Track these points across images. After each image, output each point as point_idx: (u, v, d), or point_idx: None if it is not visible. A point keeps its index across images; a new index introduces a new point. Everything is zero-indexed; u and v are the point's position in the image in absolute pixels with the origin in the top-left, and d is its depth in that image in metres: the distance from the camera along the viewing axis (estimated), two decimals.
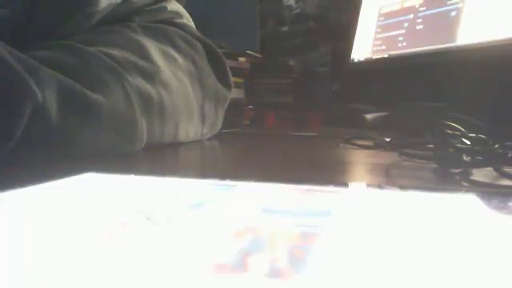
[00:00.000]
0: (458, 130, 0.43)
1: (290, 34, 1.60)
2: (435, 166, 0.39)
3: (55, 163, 0.39)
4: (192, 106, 0.61)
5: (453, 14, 0.83)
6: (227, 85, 0.70)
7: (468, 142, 0.40)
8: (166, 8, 0.65)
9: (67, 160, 0.40)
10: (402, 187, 0.33)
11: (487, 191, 0.31)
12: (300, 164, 0.48)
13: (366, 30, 1.12)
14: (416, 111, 0.77)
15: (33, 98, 0.38)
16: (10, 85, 0.37)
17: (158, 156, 0.52)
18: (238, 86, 1.34)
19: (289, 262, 0.13)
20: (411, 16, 0.96)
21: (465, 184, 0.34)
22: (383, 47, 1.04)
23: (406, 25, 0.98)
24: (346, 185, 0.33)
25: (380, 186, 0.33)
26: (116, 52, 0.51)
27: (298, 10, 1.62)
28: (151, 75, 0.53)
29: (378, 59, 1.05)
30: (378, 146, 0.55)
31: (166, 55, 0.59)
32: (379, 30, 1.08)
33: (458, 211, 0.20)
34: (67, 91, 0.41)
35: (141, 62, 0.53)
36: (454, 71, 0.81)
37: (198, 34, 0.68)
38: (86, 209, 0.20)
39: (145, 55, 0.54)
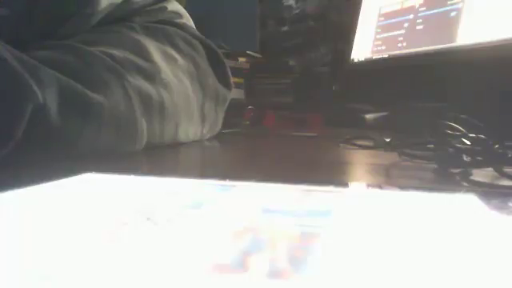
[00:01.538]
0: (458, 130, 0.43)
1: (290, 34, 1.60)
2: (435, 165, 0.39)
3: (55, 163, 0.39)
4: (192, 106, 0.61)
5: (453, 14, 0.83)
6: (227, 85, 0.70)
7: (468, 142, 0.40)
8: (166, 8, 0.65)
9: (67, 160, 0.40)
10: (402, 187, 0.33)
11: (487, 191, 0.31)
12: (300, 164, 0.48)
13: (365, 30, 1.12)
14: (416, 111, 0.77)
15: (33, 98, 0.38)
16: (10, 85, 0.37)
17: (158, 156, 0.52)
18: (238, 86, 1.33)
19: (289, 262, 0.13)
20: (411, 16, 0.96)
21: (465, 184, 0.34)
22: (383, 47, 1.04)
23: (406, 25, 0.98)
24: (346, 185, 0.33)
25: (380, 186, 0.33)
26: (116, 52, 0.51)
27: (298, 10, 1.62)
28: (151, 75, 0.53)
29: (377, 59, 1.05)
30: (378, 146, 0.55)
31: (166, 55, 0.59)
32: (379, 30, 1.08)
33: (458, 211, 0.20)
34: (67, 91, 0.41)
35: (141, 62, 0.53)
36: (454, 71, 0.81)
37: (198, 34, 0.68)
38: (85, 209, 0.20)
39: (145, 55, 0.54)
